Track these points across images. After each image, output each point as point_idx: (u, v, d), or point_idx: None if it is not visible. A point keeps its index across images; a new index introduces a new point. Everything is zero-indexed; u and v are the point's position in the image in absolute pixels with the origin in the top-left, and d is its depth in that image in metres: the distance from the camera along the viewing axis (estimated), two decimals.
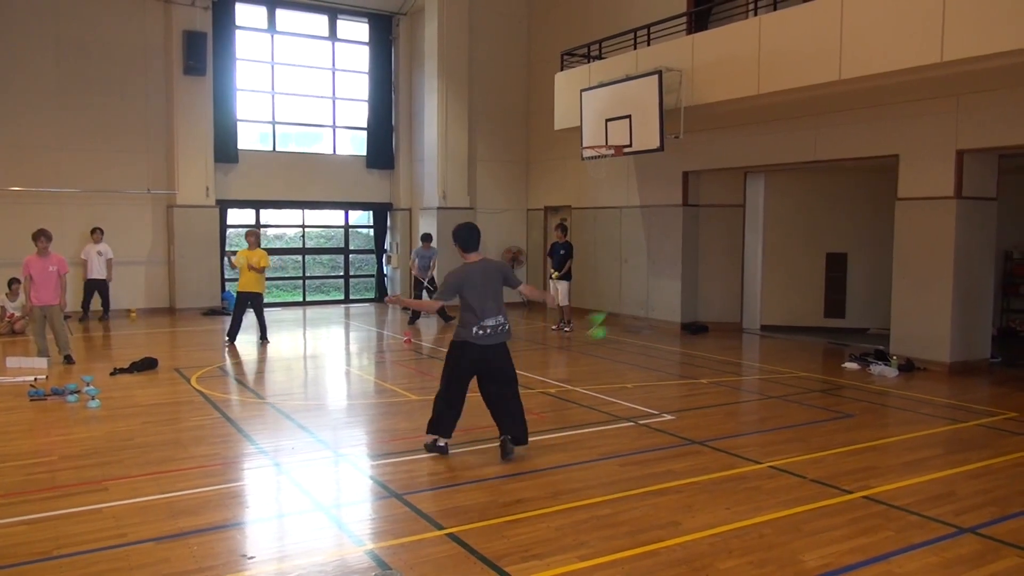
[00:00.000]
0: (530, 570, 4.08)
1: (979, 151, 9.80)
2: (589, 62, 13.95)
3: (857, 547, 4.42)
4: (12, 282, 13.25)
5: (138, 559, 4.19)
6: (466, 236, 6.22)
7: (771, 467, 5.95)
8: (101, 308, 14.84)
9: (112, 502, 5.08)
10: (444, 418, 6.17)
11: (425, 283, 14.92)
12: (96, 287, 14.74)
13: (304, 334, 14.45)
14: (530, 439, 6.34)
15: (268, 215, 18.15)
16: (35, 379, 8.93)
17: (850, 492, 5.36)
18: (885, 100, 10.33)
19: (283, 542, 4.59)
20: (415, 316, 15.07)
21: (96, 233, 14.73)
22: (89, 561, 4.17)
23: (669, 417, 7.52)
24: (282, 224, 19.06)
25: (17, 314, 13.04)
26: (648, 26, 12.69)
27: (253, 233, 12.24)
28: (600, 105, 12.72)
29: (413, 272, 15.17)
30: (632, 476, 5.72)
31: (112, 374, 9.44)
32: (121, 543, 4.41)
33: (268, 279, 18.46)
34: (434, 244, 15.71)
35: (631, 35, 13.07)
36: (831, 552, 4.35)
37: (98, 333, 13.55)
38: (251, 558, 4.28)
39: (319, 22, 18.12)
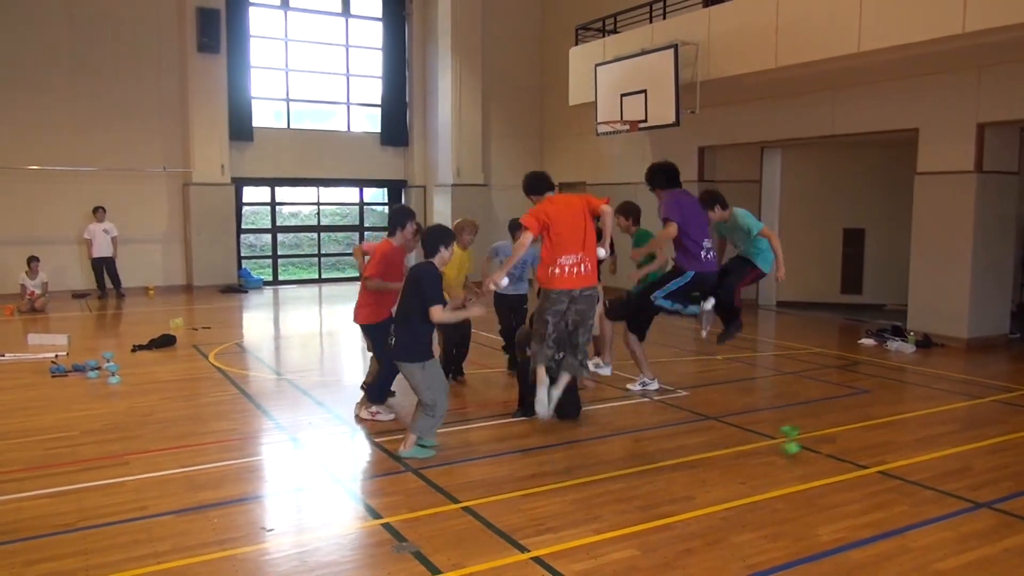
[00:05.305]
0: (544, 543, 4.12)
1: (1001, 124, 9.65)
2: (604, 36, 13.81)
3: (872, 522, 4.43)
4: (31, 260, 13.37)
5: (159, 531, 4.27)
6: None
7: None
8: (112, 286, 14.95)
9: (133, 476, 5.16)
10: None
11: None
12: (103, 265, 14.85)
13: (320, 311, 14.53)
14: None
15: (283, 193, 18.19)
16: (56, 356, 9.05)
17: (865, 467, 5.36)
18: (905, 73, 10.17)
19: (301, 515, 4.65)
20: None
21: (99, 212, 14.76)
22: (111, 533, 4.25)
23: (684, 393, 7.54)
24: (297, 202, 19.07)
25: (37, 291, 13.18)
26: None
27: None
28: (615, 80, 12.61)
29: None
30: (646, 451, 5.74)
31: (133, 351, 9.55)
32: (142, 515, 4.48)
33: (283, 256, 18.68)
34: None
35: (646, 8, 12.91)
36: (845, 526, 4.36)
37: (117, 310, 13.69)
38: (270, 530, 4.34)
39: None
